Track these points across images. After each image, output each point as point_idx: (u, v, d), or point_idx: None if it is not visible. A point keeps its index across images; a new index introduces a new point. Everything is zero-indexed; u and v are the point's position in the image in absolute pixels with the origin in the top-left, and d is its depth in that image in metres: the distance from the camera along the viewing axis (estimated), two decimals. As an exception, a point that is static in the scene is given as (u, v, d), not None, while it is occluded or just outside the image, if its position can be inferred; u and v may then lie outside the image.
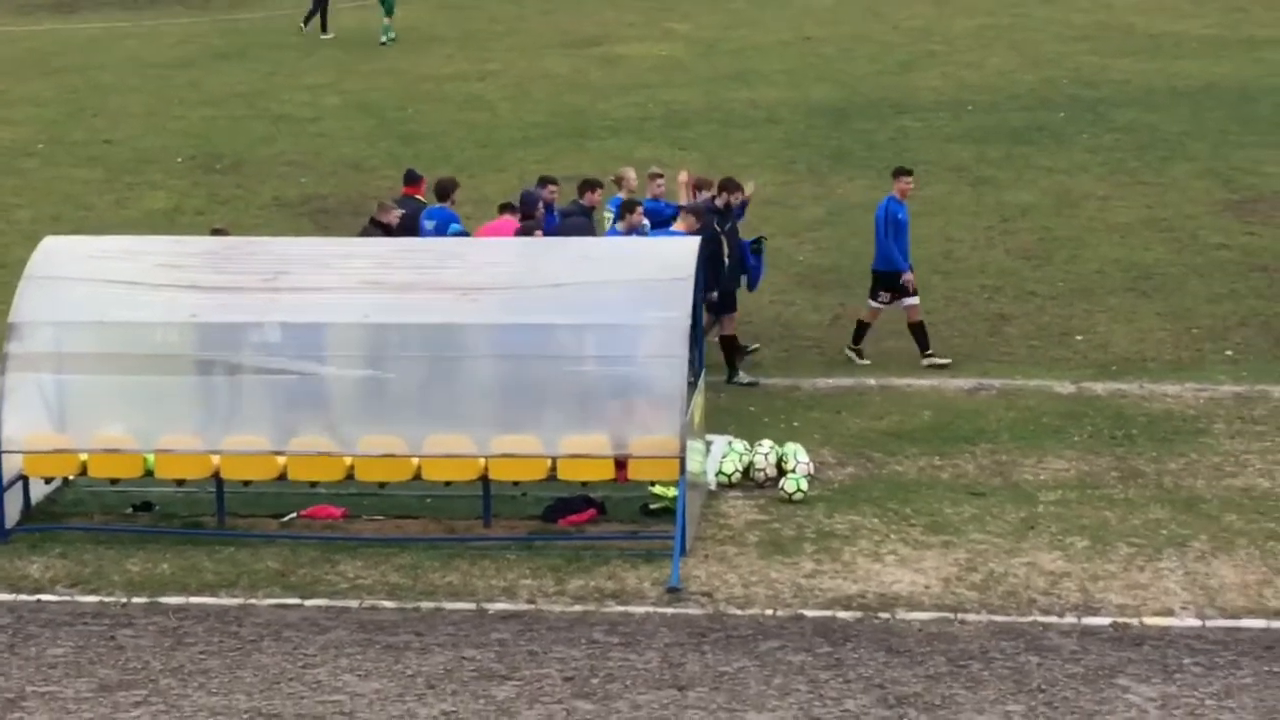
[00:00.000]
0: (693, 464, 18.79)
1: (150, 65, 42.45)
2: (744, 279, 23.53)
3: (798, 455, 20.18)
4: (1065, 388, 22.78)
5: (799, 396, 22.72)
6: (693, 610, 17.36)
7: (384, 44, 44.12)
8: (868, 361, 23.64)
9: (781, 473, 20.00)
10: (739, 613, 17.29)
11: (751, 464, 20.18)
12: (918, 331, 23.73)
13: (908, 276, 23.48)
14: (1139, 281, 26.28)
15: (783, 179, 31.31)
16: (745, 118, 35.48)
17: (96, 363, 19.32)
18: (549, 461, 18.68)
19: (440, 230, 22.82)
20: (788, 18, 45.84)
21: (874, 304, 23.78)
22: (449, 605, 17.54)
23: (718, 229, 22.67)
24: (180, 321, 19.37)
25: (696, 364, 19.53)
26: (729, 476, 20.11)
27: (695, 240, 20.34)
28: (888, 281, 23.55)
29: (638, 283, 19.31)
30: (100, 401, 19.36)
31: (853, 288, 25.72)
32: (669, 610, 17.35)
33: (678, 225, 22.19)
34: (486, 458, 18.74)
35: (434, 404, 19.15)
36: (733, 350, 23.22)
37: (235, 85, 39.68)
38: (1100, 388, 22.61)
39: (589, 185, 23.54)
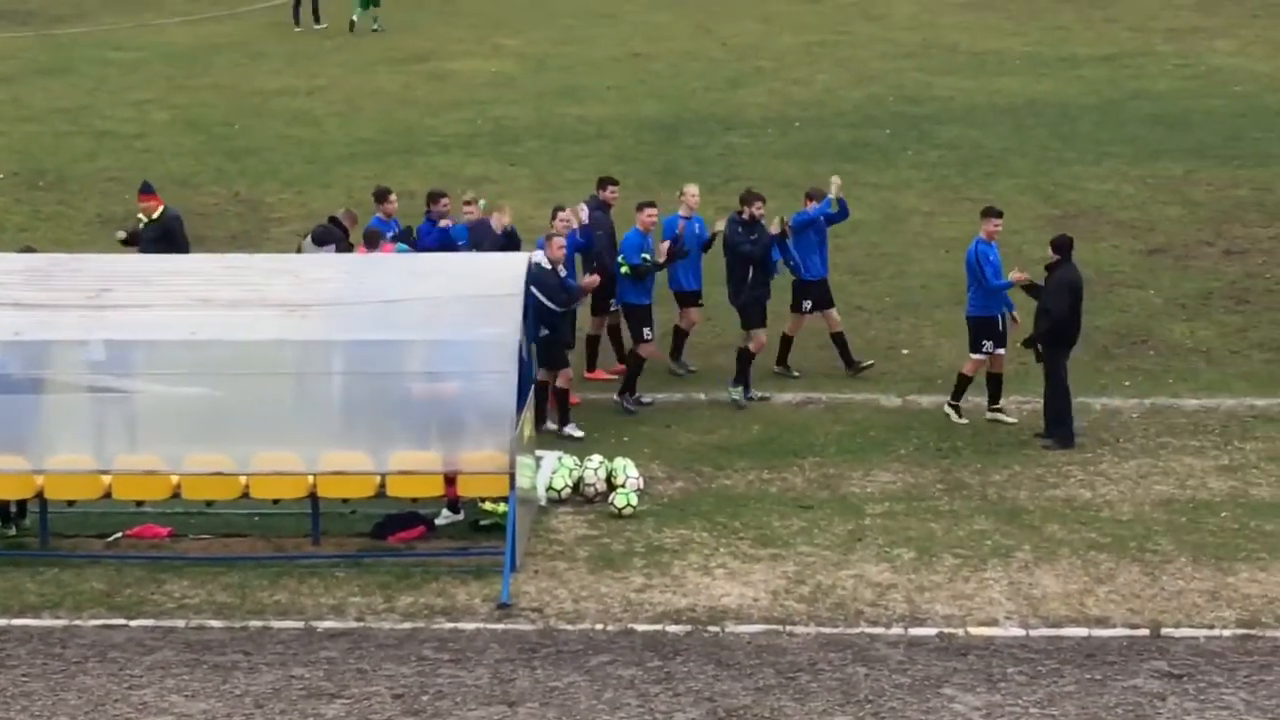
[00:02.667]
0: (523, 480, 18.79)
1: (-29, 80, 41.77)
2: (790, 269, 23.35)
3: (627, 470, 20.26)
4: (891, 401, 23.03)
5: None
6: (523, 626, 17.37)
7: (375, 30, 46.22)
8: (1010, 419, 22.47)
9: (611, 488, 20.06)
10: (569, 628, 17.32)
11: (581, 479, 20.22)
12: (994, 383, 22.43)
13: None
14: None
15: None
16: (575, 133, 35.52)
17: (-85, 382, 18.98)
18: (378, 478, 18.61)
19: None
20: (618, 34, 45.95)
21: (976, 356, 22.25)
22: (277, 624, 17.42)
23: (737, 242, 22.74)
24: (2, 340, 19.07)
25: (525, 379, 19.50)
26: (559, 492, 20.13)
27: (524, 256, 20.38)
28: (986, 329, 22.24)
29: (467, 299, 19.28)
30: (-80, 422, 19.03)
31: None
32: (499, 626, 17.35)
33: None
34: (315, 475, 18.62)
35: (262, 421, 18.99)
36: (746, 364, 22.94)
37: (58, 100, 39.11)
38: (926, 401, 22.87)
39: (602, 183, 24.31)
